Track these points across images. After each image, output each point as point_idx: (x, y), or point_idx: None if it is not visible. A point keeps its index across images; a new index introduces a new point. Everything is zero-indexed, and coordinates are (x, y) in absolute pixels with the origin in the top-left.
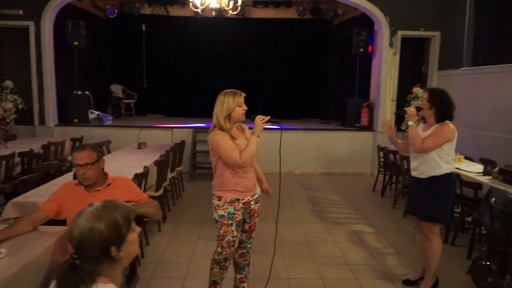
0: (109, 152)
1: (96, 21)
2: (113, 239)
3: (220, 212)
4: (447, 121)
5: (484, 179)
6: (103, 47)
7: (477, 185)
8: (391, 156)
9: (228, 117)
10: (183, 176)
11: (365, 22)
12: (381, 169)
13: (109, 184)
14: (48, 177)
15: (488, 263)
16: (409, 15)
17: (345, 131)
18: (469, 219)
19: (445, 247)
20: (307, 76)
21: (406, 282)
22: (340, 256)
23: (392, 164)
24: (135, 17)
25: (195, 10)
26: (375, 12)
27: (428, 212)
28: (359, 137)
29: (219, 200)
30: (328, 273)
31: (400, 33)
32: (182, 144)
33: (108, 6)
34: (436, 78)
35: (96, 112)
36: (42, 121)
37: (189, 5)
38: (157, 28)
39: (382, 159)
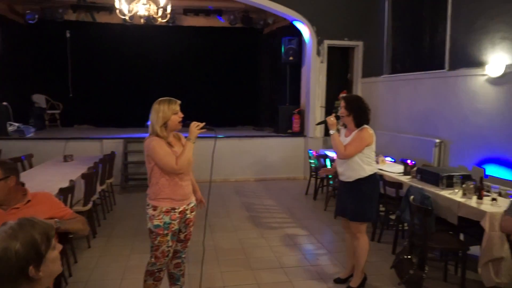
0: (31, 166)
1: (14, 27)
2: (31, 258)
3: (156, 222)
4: (366, 126)
5: (404, 178)
6: (23, 54)
7: (398, 185)
8: (322, 160)
9: (165, 125)
10: (114, 189)
11: (294, 31)
12: (313, 173)
13: (28, 201)
14: None
15: (409, 256)
16: (334, 25)
17: (278, 138)
18: (393, 216)
19: (372, 244)
20: (240, 84)
21: (337, 280)
22: (275, 260)
23: (322, 168)
24: (58, 23)
25: (123, 17)
26: (303, 22)
27: (355, 212)
28: (291, 143)
29: (154, 210)
30: (263, 278)
31: (327, 42)
32: (112, 155)
33: (27, 11)
34: (360, 85)
35: (16, 124)
36: None
37: (116, 12)
38: (83, 35)
39: (313, 163)
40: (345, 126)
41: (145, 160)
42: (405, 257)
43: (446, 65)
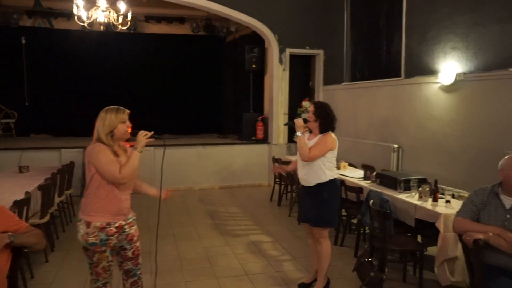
0: None
1: None
2: None
3: (91, 240)
4: (329, 132)
5: (365, 183)
6: None
7: (359, 189)
8: (288, 171)
9: (111, 134)
10: (73, 200)
11: (257, 40)
12: (277, 180)
13: None
14: None
15: (370, 259)
16: (296, 34)
17: (242, 145)
18: (354, 220)
19: (335, 248)
20: (203, 92)
21: (301, 285)
22: (240, 268)
23: (287, 175)
24: (12, 29)
25: (81, 24)
26: (264, 31)
27: (317, 218)
28: (255, 150)
29: (87, 227)
30: (228, 286)
31: (288, 50)
32: (71, 165)
33: None
34: (322, 93)
35: None
36: None
37: (74, 18)
38: (39, 41)
39: None
40: (310, 131)
41: (85, 168)
42: (366, 260)
43: (402, 73)
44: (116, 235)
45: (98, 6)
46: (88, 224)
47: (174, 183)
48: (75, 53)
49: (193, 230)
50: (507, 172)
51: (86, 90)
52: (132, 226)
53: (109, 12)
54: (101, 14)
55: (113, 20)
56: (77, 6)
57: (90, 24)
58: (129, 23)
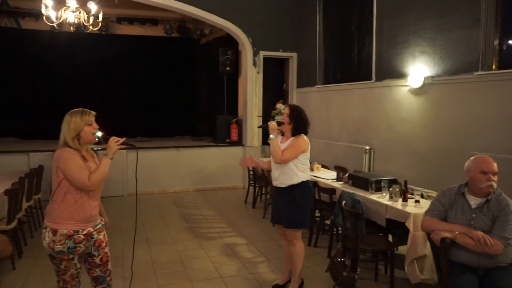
0: None
1: None
2: None
3: (58, 248)
4: (302, 134)
5: (337, 184)
6: None
7: (332, 190)
8: (260, 168)
9: (77, 137)
10: (42, 205)
11: (231, 42)
12: (251, 182)
13: None
14: None
15: (342, 259)
16: (269, 37)
17: (217, 147)
18: (328, 221)
19: (309, 249)
20: (177, 94)
21: (275, 287)
22: (214, 271)
23: (261, 176)
24: None
25: (51, 24)
26: (238, 33)
27: (290, 219)
28: (230, 152)
29: (54, 235)
30: None
31: (262, 53)
32: (40, 169)
33: None
34: (295, 95)
35: None
36: None
37: (43, 18)
38: (6, 42)
39: (251, 172)
40: (282, 133)
41: (52, 173)
42: (339, 260)
43: (373, 76)
44: (84, 242)
45: (68, 7)
46: (54, 232)
47: (148, 186)
48: (44, 54)
49: (166, 234)
50: (472, 173)
51: (56, 92)
52: (100, 232)
53: (79, 12)
54: (71, 15)
55: (83, 20)
56: (46, 6)
57: (60, 24)
58: (100, 24)
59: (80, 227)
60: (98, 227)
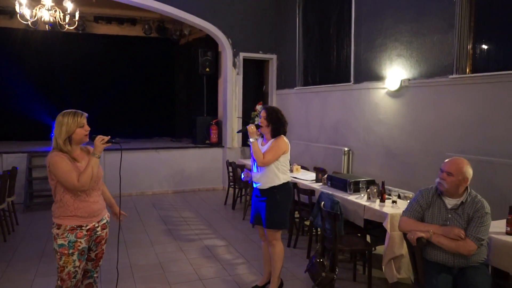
0: None
1: None
2: None
3: (60, 241)
4: (281, 135)
5: (316, 185)
6: None
7: (311, 192)
8: (239, 170)
9: (69, 139)
10: (16, 208)
11: (210, 43)
12: (231, 183)
13: None
14: None
15: (321, 260)
16: (249, 38)
17: (196, 149)
18: (307, 222)
19: (288, 250)
20: (156, 95)
21: None
22: (193, 273)
23: (240, 178)
24: None
25: (25, 22)
26: (218, 35)
27: (270, 220)
28: (209, 154)
29: (58, 229)
30: None
31: (242, 54)
32: (13, 171)
33: None
34: (275, 97)
35: None
36: None
37: (17, 16)
38: None
39: (231, 174)
40: (262, 135)
41: (48, 176)
42: (318, 260)
43: (352, 78)
44: (85, 238)
45: (43, 5)
46: (59, 226)
47: (126, 188)
48: (18, 53)
49: (145, 236)
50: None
51: (30, 92)
52: (104, 229)
53: (55, 11)
54: (46, 13)
55: (59, 19)
56: (20, 4)
57: (34, 23)
58: (76, 23)
59: (83, 222)
60: (103, 223)
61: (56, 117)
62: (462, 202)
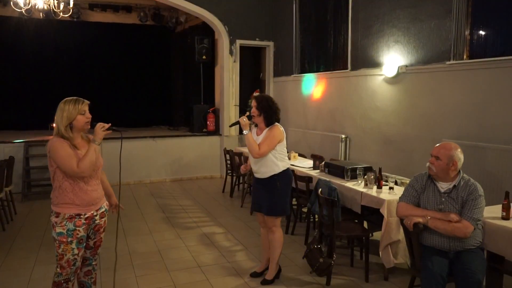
0: None
1: None
2: None
3: (58, 230)
4: (276, 124)
5: (314, 172)
6: None
7: (308, 179)
8: (237, 158)
9: (70, 125)
10: (14, 197)
11: (207, 31)
12: (229, 171)
13: None
14: None
15: (319, 246)
16: (246, 25)
17: (193, 137)
18: (305, 209)
19: (286, 237)
20: (152, 83)
21: (253, 274)
22: (192, 260)
23: (238, 166)
24: None
25: (19, 10)
26: (214, 22)
27: (271, 207)
28: (207, 142)
29: (57, 217)
30: (180, 279)
31: (239, 42)
32: (11, 160)
33: None
34: (272, 84)
35: None
36: None
37: (10, 4)
38: None
39: (229, 162)
40: (256, 125)
41: (48, 162)
42: (315, 246)
43: (349, 65)
44: (84, 227)
45: None
46: (57, 215)
47: (124, 177)
48: (12, 41)
49: (143, 224)
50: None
51: (25, 81)
52: (102, 217)
53: None
54: (40, 1)
55: (53, 7)
56: None
57: (28, 10)
58: (71, 10)
59: (82, 211)
60: (101, 211)
61: (59, 104)
62: (454, 186)
